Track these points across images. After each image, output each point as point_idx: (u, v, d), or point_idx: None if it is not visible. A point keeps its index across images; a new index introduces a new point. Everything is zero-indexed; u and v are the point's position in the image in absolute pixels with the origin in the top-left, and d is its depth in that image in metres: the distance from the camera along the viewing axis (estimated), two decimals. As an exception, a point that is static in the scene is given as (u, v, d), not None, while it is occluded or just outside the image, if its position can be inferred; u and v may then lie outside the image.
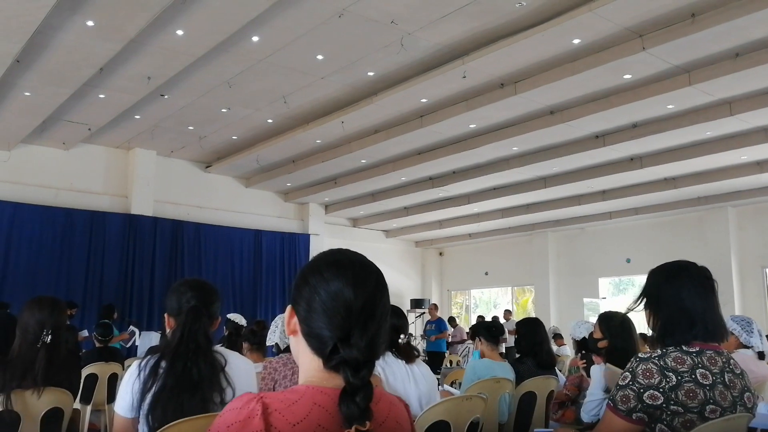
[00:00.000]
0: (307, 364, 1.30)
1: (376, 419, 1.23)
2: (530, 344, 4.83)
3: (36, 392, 3.20)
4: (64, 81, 9.27)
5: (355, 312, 1.26)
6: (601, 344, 3.81)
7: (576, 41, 8.08)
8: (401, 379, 3.37)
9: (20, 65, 8.67)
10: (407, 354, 3.48)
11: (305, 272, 1.33)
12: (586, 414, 3.57)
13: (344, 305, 1.26)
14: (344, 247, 1.43)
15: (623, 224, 16.08)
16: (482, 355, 4.79)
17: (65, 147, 13.02)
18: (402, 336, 3.48)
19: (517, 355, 4.85)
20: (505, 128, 11.00)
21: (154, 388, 2.37)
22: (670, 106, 9.60)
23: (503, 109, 10.04)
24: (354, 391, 1.21)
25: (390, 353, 3.43)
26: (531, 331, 4.90)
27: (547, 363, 4.91)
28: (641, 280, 2.46)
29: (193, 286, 2.63)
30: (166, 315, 2.63)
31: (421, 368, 3.52)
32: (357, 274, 1.30)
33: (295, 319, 1.32)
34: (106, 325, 7.10)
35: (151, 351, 2.60)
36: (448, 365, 10.62)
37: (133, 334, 11.14)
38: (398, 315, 3.57)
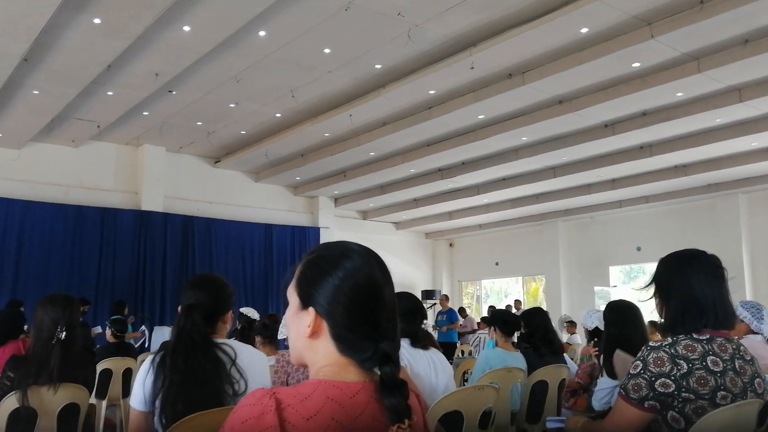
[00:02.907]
0: (323, 360, 1.28)
1: None
2: (544, 333, 4.85)
3: (52, 388, 3.24)
4: (71, 79, 9.30)
5: (387, 306, 1.28)
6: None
7: (584, 30, 8.03)
8: (425, 369, 3.37)
9: (28, 64, 8.71)
10: (425, 340, 3.47)
11: (324, 268, 1.30)
12: (597, 402, 3.58)
13: (379, 301, 1.27)
14: (355, 239, 1.43)
15: (634, 212, 16.02)
16: (496, 345, 4.81)
17: (74, 144, 13.08)
18: (425, 321, 3.48)
19: (526, 346, 4.84)
20: (514, 118, 10.96)
21: (163, 384, 2.41)
22: (679, 94, 9.55)
23: (511, 99, 10.00)
24: (398, 385, 1.22)
25: (408, 342, 3.41)
26: (544, 319, 4.92)
27: (559, 349, 4.93)
28: (652, 268, 2.46)
29: (196, 284, 2.68)
30: (179, 309, 2.67)
31: (439, 357, 3.52)
32: (380, 266, 1.32)
33: (320, 322, 1.29)
34: (121, 321, 7.15)
35: (164, 346, 2.64)
36: (460, 355, 10.64)
37: (144, 333, 11.25)
38: (414, 299, 3.53)
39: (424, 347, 3.45)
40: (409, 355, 3.31)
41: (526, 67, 9.19)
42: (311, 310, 1.29)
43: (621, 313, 3.75)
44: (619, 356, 3.33)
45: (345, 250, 1.32)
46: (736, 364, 2.18)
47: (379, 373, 1.25)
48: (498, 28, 8.29)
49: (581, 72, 8.90)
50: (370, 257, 1.32)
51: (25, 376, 3.21)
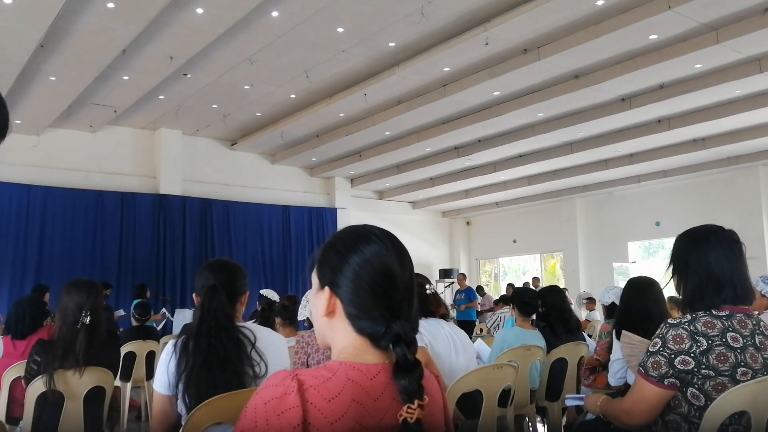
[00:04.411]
0: (343, 341, 1.31)
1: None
2: (560, 312, 4.84)
3: (78, 372, 3.30)
4: (88, 64, 9.35)
5: (401, 287, 1.29)
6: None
7: (599, 2, 7.93)
8: (445, 348, 3.35)
9: (44, 50, 8.76)
10: (437, 306, 3.40)
11: (341, 251, 1.33)
12: (612, 377, 3.58)
13: (393, 282, 1.29)
14: (372, 219, 1.45)
15: (652, 187, 15.89)
16: (515, 323, 4.80)
17: (92, 130, 13.17)
18: (426, 286, 3.42)
19: (543, 325, 4.83)
20: (530, 94, 10.87)
21: (186, 366, 2.44)
22: (697, 66, 9.41)
23: (527, 75, 9.92)
24: (412, 367, 1.24)
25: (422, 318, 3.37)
26: (560, 298, 4.92)
27: (576, 328, 4.93)
28: (671, 243, 2.45)
29: (212, 267, 2.70)
30: (194, 295, 2.70)
31: (461, 336, 3.48)
32: (397, 249, 1.33)
33: (335, 301, 1.32)
34: (144, 305, 7.26)
35: (186, 329, 2.68)
36: (479, 333, 10.67)
37: (164, 315, 11.39)
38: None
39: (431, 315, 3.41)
40: (429, 335, 3.30)
41: (541, 42, 9.10)
42: (326, 289, 1.33)
43: (635, 289, 3.72)
44: (626, 336, 3.27)
45: (363, 234, 1.35)
46: (757, 339, 2.17)
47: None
48: (512, 2, 8.20)
49: (597, 45, 8.79)
50: (387, 242, 1.33)
51: (51, 360, 3.27)
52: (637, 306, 3.56)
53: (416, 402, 1.21)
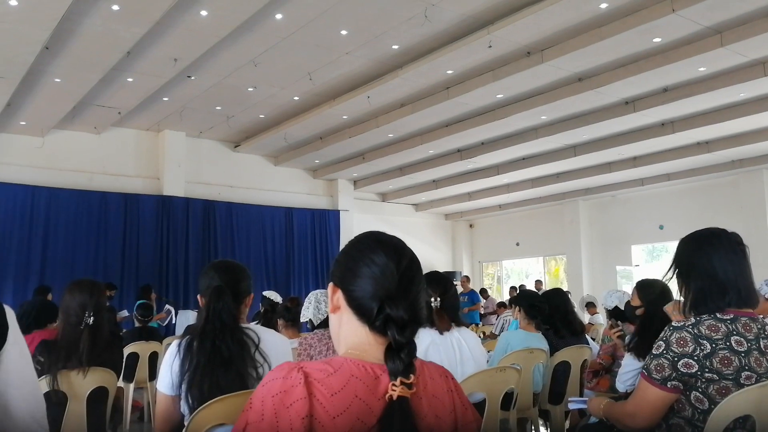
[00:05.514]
0: (351, 336, 1.35)
1: (417, 392, 1.27)
2: (563, 314, 4.84)
3: (81, 372, 3.31)
4: (92, 66, 9.37)
5: (397, 277, 1.34)
6: (639, 312, 3.77)
7: (603, 5, 7.93)
8: (448, 354, 3.19)
9: (49, 52, 8.78)
10: (440, 320, 3.23)
11: (347, 250, 1.42)
12: (622, 384, 3.56)
13: (388, 271, 1.34)
14: (374, 221, 1.49)
15: (655, 190, 15.86)
16: (519, 326, 4.79)
17: (97, 131, 13.20)
18: (431, 300, 3.25)
19: (547, 327, 4.82)
20: (533, 97, 10.87)
21: (189, 366, 2.45)
22: (701, 69, 9.40)
23: (530, 77, 9.92)
24: (399, 347, 1.28)
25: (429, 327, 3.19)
26: (564, 300, 4.91)
27: (580, 330, 4.93)
28: (675, 246, 2.44)
29: (217, 268, 2.70)
30: (199, 296, 2.70)
31: (470, 342, 3.32)
32: (397, 246, 1.39)
33: (339, 294, 1.38)
34: (146, 306, 7.29)
35: (189, 330, 2.68)
36: (482, 336, 10.65)
37: (169, 312, 11.39)
38: (436, 280, 3.32)
39: (440, 329, 3.25)
40: (430, 340, 3.18)
41: (545, 45, 9.10)
42: (330, 284, 1.41)
43: (653, 290, 3.69)
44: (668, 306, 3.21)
45: (366, 234, 1.44)
46: (761, 343, 2.17)
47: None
48: (515, 5, 8.20)
49: (601, 48, 8.79)
50: (390, 239, 1.42)
51: (55, 360, 3.27)
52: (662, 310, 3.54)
53: (399, 379, 1.22)
